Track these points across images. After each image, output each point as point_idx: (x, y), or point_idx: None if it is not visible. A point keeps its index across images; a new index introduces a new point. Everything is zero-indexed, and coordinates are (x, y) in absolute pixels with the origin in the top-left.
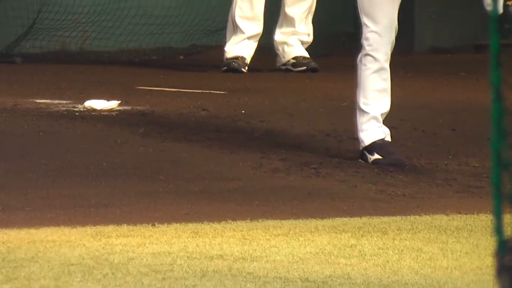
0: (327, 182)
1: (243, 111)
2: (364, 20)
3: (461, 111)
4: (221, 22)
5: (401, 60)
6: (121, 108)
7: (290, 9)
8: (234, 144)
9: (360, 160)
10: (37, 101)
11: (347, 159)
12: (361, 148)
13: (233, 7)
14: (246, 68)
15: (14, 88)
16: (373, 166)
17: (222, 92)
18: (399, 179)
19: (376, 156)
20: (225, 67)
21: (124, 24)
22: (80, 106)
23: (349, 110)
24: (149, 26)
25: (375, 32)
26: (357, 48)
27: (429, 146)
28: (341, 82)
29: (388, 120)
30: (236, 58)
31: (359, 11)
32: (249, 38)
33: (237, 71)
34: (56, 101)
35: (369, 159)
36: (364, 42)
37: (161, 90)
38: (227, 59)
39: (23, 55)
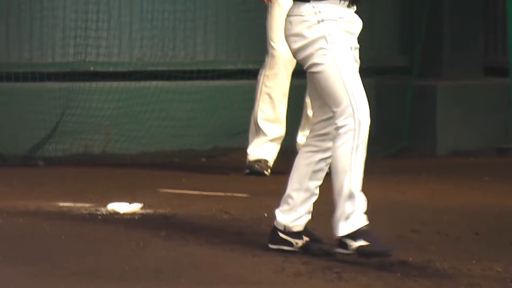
0: (349, 286)
1: (265, 214)
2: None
3: (484, 215)
4: (243, 124)
5: (423, 163)
6: (143, 211)
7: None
8: (256, 248)
9: (338, 249)
10: (60, 204)
11: (370, 264)
12: (341, 235)
13: (256, 110)
14: (269, 170)
15: (36, 191)
16: (396, 270)
17: (244, 195)
18: (422, 284)
19: (362, 242)
20: (248, 170)
21: (146, 127)
22: (102, 209)
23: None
24: (171, 129)
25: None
26: (378, 151)
27: (452, 250)
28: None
29: (410, 224)
30: (259, 160)
31: None
32: (271, 140)
33: (259, 173)
34: (79, 204)
35: (350, 246)
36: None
37: (183, 193)
38: (249, 161)
39: (45, 158)
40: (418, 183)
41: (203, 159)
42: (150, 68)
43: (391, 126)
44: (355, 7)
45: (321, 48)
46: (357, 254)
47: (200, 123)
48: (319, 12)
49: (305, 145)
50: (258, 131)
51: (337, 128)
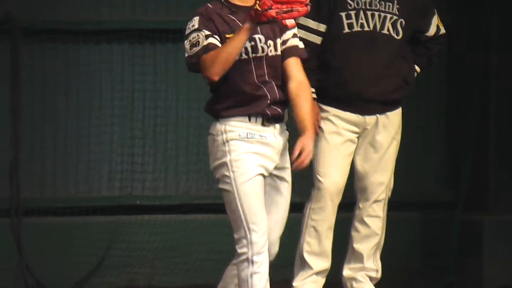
0: None
1: None
2: None
3: None
4: (288, 257)
5: None
6: None
7: (358, 244)
8: None
9: None
10: None
11: None
12: None
13: (301, 243)
14: None
15: None
16: None
17: None
18: None
19: None
20: None
21: (192, 260)
22: None
23: None
24: (217, 262)
25: None
26: (425, 285)
27: None
28: None
29: None
30: None
31: None
32: (317, 273)
33: None
34: None
35: None
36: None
37: None
38: None
39: None
40: None
41: None
42: (196, 201)
43: (437, 260)
44: (275, 126)
45: (223, 175)
46: None
47: None
48: (225, 131)
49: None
50: (304, 264)
51: (236, 255)
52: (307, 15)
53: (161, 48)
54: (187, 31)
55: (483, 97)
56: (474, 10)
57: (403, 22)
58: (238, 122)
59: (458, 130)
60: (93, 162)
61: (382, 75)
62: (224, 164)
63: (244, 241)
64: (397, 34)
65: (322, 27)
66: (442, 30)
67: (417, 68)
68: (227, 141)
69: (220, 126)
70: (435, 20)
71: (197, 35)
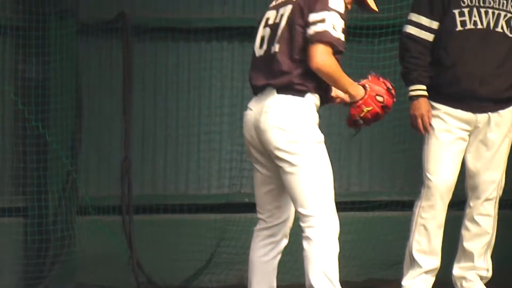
0: None
1: None
2: None
3: None
4: (397, 256)
5: None
6: None
7: (469, 243)
8: None
9: None
10: None
11: None
12: None
13: (411, 241)
14: None
15: None
16: None
17: None
18: None
19: None
20: None
21: (299, 259)
22: None
23: None
24: None
25: None
26: None
27: None
28: None
29: None
30: None
31: None
32: (426, 272)
33: None
34: None
35: None
36: None
37: None
38: None
39: None
40: None
41: None
42: None
43: None
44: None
45: None
46: None
47: (353, 255)
48: None
49: None
50: (413, 262)
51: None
52: (419, 12)
53: None
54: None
55: None
56: None
57: None
58: None
59: None
60: (203, 161)
61: (496, 74)
62: None
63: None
64: (511, 32)
65: (434, 24)
66: None
67: None
68: None
69: None
70: None
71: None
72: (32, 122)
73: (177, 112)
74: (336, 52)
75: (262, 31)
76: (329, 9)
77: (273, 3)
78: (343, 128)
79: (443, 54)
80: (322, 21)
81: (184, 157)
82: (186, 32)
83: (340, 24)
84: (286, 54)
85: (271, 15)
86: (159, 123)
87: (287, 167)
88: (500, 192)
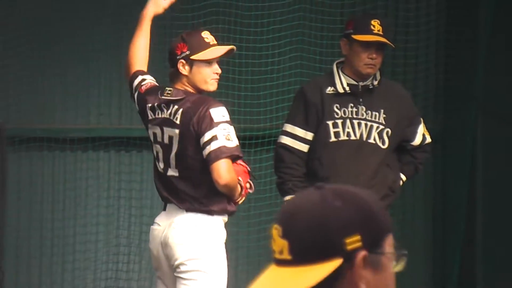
0: None
1: None
2: None
3: None
4: None
5: None
6: None
7: None
8: None
9: None
10: None
11: None
12: None
13: None
14: None
15: None
16: None
17: None
18: None
19: None
20: None
21: None
22: None
23: None
24: None
25: None
26: None
27: None
28: None
29: None
30: None
31: None
32: None
33: None
34: None
35: None
36: None
37: None
38: None
39: None
40: None
41: None
42: None
43: None
44: None
45: None
46: None
47: None
48: None
49: None
50: None
51: None
52: (294, 123)
53: (148, 156)
54: None
55: None
56: (460, 113)
57: (389, 132)
58: None
59: None
60: (78, 271)
61: (369, 185)
62: None
63: None
64: (383, 144)
65: (309, 135)
66: (428, 139)
67: (403, 176)
68: None
69: None
70: (421, 129)
71: None
72: None
73: (52, 223)
74: (235, 159)
75: (154, 147)
76: (216, 124)
77: (151, 116)
78: None
79: (318, 165)
80: (214, 138)
81: (60, 267)
82: (62, 142)
83: (231, 129)
84: (186, 180)
85: (156, 131)
86: (34, 233)
87: (186, 282)
88: None
